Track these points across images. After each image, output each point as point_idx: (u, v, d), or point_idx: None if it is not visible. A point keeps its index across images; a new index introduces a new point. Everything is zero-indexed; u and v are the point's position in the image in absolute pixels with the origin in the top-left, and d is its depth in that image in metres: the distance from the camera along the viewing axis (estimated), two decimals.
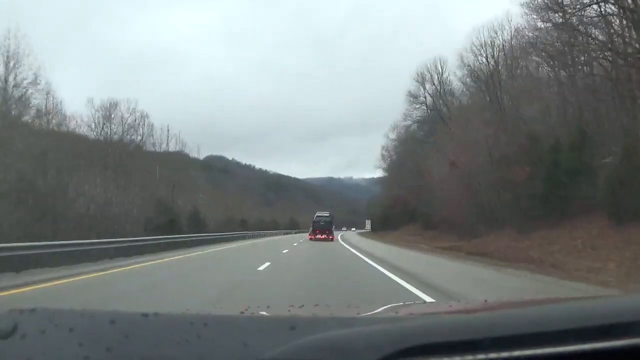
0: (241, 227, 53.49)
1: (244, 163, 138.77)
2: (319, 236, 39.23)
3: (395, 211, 57.26)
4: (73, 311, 0.92)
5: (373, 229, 69.32)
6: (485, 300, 1.85)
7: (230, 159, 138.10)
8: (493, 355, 0.76)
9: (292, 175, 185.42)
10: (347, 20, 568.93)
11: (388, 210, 61.06)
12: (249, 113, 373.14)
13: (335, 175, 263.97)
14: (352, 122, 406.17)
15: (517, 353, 0.76)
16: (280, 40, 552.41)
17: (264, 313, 1.66)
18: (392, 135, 66.04)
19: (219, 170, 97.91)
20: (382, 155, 69.75)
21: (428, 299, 7.58)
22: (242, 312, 1.54)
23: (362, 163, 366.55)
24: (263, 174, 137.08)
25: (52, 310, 0.92)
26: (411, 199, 52.71)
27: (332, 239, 39.15)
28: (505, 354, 0.76)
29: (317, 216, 43.82)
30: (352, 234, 72.94)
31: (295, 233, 75.86)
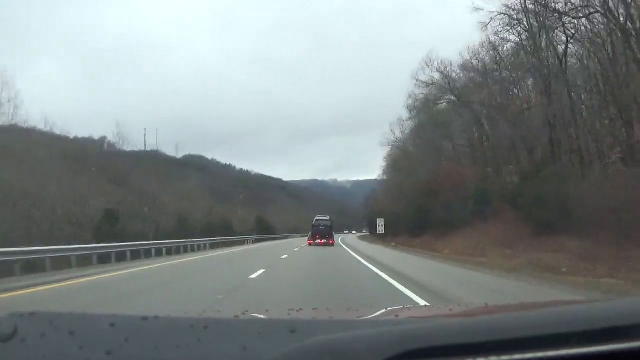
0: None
1: (223, 163, 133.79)
2: (318, 241, 38.15)
3: (445, 200, 32.20)
4: (73, 314, 0.92)
5: (386, 231, 48.78)
6: (486, 304, 1.85)
7: (210, 158, 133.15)
8: (493, 358, 0.75)
9: (277, 177, 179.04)
10: (343, 10, 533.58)
11: (423, 200, 35.71)
12: (235, 111, 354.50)
13: (320, 178, 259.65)
14: (342, 122, 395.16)
15: (517, 356, 0.76)
16: (271, 31, 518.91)
17: (263, 316, 1.66)
18: (425, 76, 40.79)
19: (195, 168, 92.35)
20: (401, 121, 50.54)
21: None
22: (242, 316, 1.54)
23: (348, 166, 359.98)
24: (244, 174, 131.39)
25: (52, 313, 0.92)
26: (472, 175, 32.80)
27: (332, 244, 38.22)
28: (505, 357, 0.76)
29: (317, 220, 42.22)
30: (359, 242, 53.90)
31: (254, 242, 49.77)
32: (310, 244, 37.58)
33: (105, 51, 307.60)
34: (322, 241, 37.54)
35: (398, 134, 54.95)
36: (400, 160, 54.49)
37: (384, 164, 67.41)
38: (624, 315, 0.84)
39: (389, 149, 60.32)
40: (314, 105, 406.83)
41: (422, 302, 9.61)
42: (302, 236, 79.26)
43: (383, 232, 48.54)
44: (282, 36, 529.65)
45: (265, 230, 64.98)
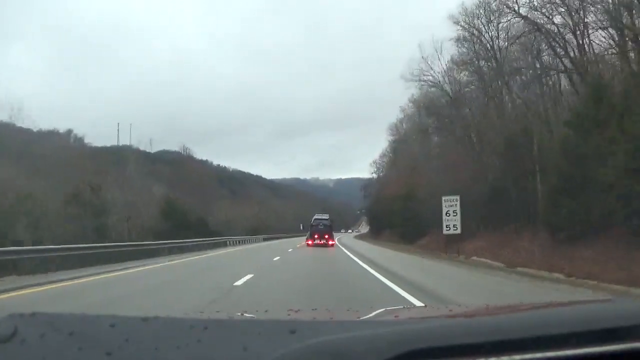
0: None
1: (199, 158, 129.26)
2: (317, 241, 36.53)
3: None
4: (73, 315, 0.92)
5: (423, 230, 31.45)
6: (487, 305, 1.85)
7: (186, 154, 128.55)
8: (493, 359, 0.76)
9: (257, 174, 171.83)
10: None
11: None
12: (218, 106, 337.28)
13: (302, 176, 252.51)
14: (328, 117, 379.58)
15: (517, 357, 0.76)
16: (260, 16, 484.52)
17: (263, 317, 1.66)
18: None
19: (164, 162, 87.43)
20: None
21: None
22: (242, 316, 1.54)
23: (331, 164, 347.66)
24: (221, 170, 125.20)
25: (52, 314, 0.92)
26: None
27: (332, 245, 36.42)
28: (505, 358, 0.76)
29: (316, 219, 40.38)
30: (383, 251, 30.54)
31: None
32: (308, 245, 36.46)
33: (80, 38, 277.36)
34: (322, 241, 36.31)
35: (437, 66, 34.28)
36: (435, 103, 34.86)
37: (390, 138, 53.48)
38: (624, 316, 0.84)
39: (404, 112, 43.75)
40: (300, 98, 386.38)
41: None
42: (266, 239, 56.21)
43: (459, 230, 23.14)
44: (271, 22, 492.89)
45: (182, 230, 33.86)
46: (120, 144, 52.79)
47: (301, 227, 77.71)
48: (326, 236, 37.44)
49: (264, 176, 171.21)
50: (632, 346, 0.78)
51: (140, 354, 0.81)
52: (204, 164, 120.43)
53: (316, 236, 37.53)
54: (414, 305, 6.35)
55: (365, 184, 77.52)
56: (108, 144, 51.67)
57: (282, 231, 73.65)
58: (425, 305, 5.25)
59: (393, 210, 39.31)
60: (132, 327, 0.89)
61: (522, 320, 0.89)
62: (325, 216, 42.32)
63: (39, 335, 0.83)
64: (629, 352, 0.78)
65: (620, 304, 1.21)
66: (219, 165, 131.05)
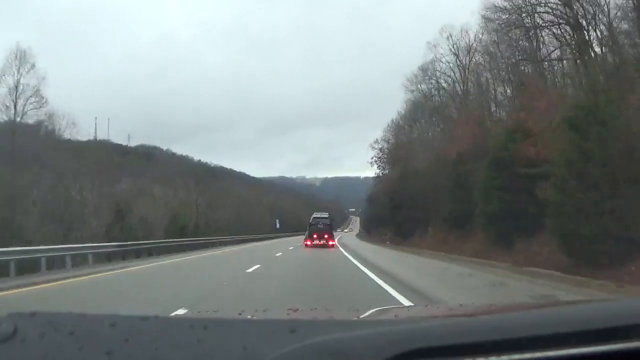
0: None
1: (179, 154, 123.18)
2: (317, 242, 34.87)
3: None
4: (73, 314, 0.92)
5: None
6: (488, 305, 1.85)
7: (165, 149, 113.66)
8: (493, 358, 0.76)
9: (241, 170, 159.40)
10: None
11: None
12: (205, 101, 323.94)
13: (288, 175, 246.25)
14: (319, 113, 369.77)
15: (517, 356, 0.76)
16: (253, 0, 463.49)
17: (263, 316, 1.66)
18: None
19: (138, 155, 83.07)
20: None
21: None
22: (242, 316, 1.54)
23: (319, 163, 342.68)
24: (199, 166, 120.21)
25: (52, 313, 0.92)
26: None
27: (332, 246, 34.54)
28: (505, 357, 0.76)
29: (315, 218, 38.64)
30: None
31: None
32: (307, 245, 34.76)
33: (55, 24, 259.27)
34: (321, 242, 34.78)
35: None
36: None
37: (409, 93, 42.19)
38: (623, 315, 0.84)
39: None
40: (289, 94, 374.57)
41: None
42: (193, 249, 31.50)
43: None
44: (262, 10, 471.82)
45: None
46: (99, 138, 50.84)
47: (277, 226, 72.17)
48: (326, 236, 35.98)
49: (247, 173, 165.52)
50: (632, 346, 0.78)
51: (140, 353, 0.81)
52: (185, 159, 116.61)
53: (315, 236, 36.06)
54: (415, 305, 6.34)
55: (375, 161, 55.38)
56: (84, 139, 49.88)
57: (249, 229, 55.27)
58: (426, 305, 5.24)
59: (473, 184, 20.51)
60: (132, 327, 0.89)
61: (523, 320, 0.89)
62: (325, 215, 40.75)
63: (39, 334, 0.83)
64: (629, 352, 0.78)
65: (621, 303, 1.22)
66: (199, 160, 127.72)
